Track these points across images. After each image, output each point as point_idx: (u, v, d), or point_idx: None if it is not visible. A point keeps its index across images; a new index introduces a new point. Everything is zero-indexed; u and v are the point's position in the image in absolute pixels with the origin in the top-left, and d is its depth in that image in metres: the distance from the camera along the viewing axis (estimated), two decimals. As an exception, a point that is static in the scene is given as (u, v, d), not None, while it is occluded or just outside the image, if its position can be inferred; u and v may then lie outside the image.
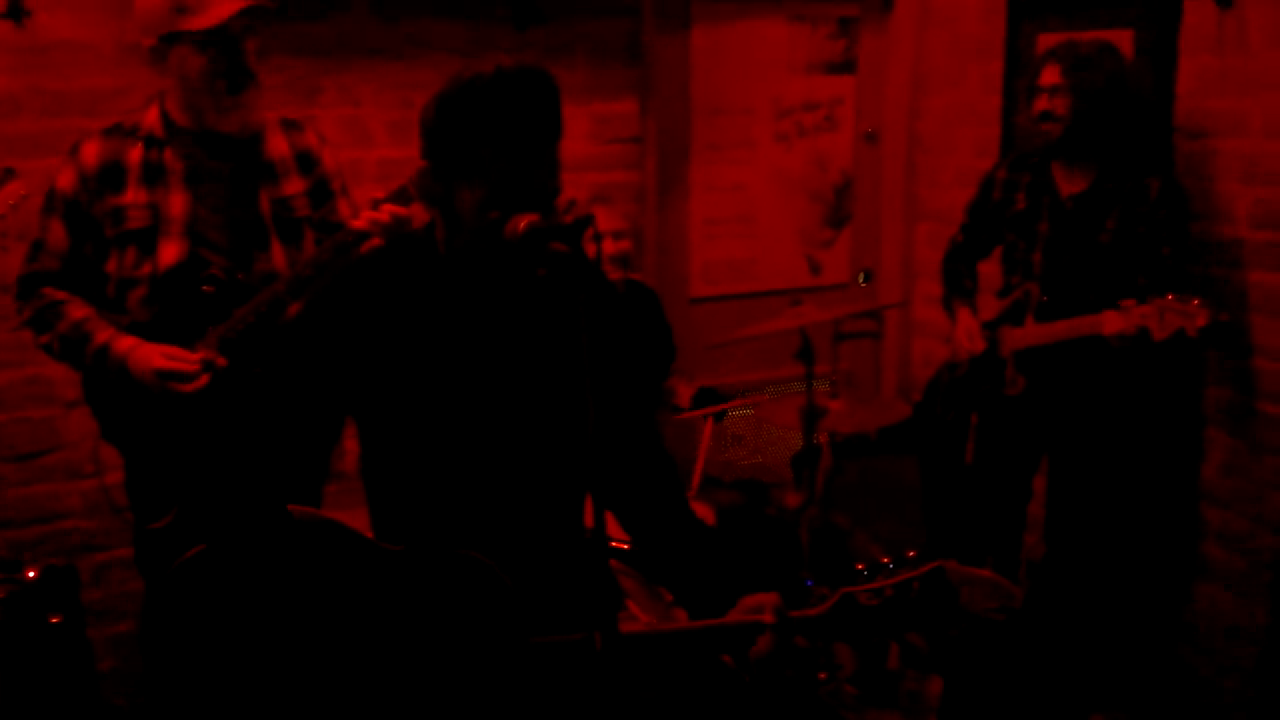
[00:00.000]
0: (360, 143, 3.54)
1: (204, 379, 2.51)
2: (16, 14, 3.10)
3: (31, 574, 2.92)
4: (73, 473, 3.37)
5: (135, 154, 2.55)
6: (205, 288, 2.55)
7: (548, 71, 1.68)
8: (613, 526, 2.21)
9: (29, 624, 2.86)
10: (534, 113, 1.66)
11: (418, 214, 2.60)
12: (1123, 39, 3.37)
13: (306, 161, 2.72)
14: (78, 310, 2.56)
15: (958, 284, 3.45)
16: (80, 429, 3.35)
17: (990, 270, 3.45)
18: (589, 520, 1.86)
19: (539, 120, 1.67)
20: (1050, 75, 3.05)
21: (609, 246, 3.34)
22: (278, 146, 2.68)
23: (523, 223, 1.63)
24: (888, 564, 1.72)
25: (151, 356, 2.50)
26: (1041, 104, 3.08)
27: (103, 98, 3.23)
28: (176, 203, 2.55)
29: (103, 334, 2.53)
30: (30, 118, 3.18)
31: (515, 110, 1.64)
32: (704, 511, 3.28)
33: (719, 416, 3.56)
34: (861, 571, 1.72)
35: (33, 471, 3.34)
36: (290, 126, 2.73)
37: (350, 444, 1.92)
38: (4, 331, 3.21)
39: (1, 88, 3.16)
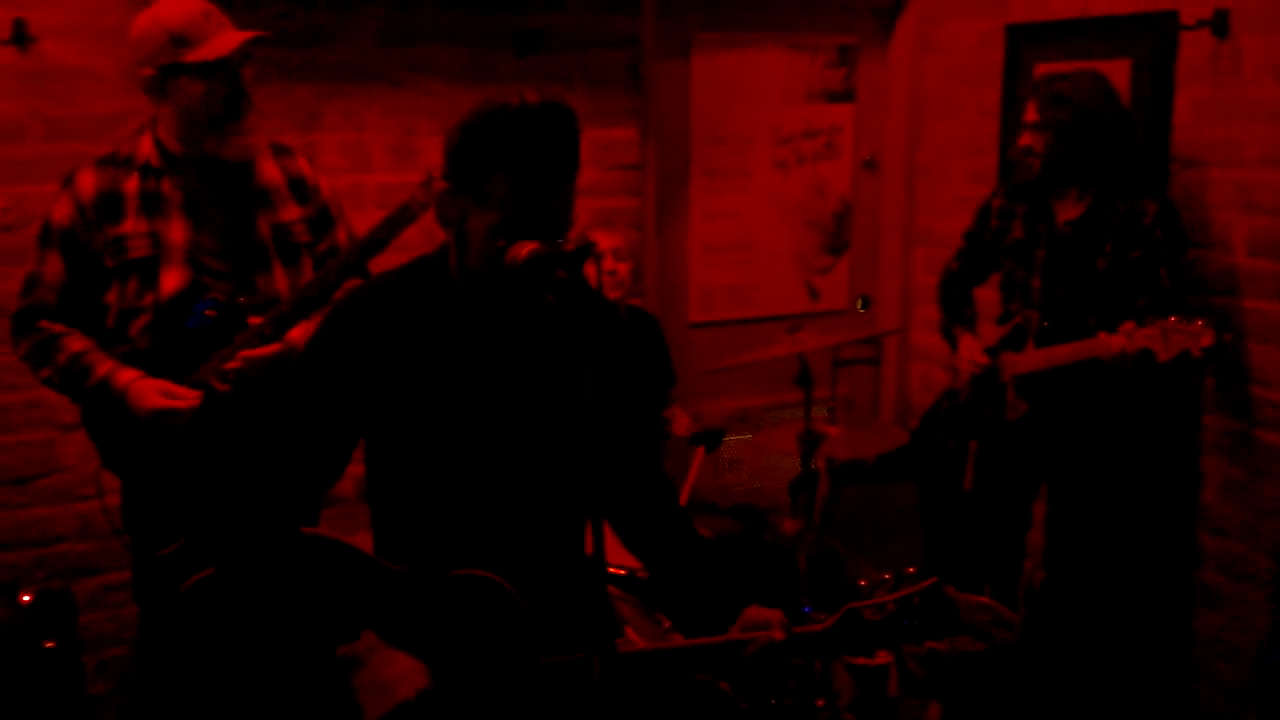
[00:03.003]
0: (361, 168, 3.56)
1: (193, 400, 2.49)
2: (21, 40, 3.11)
3: (26, 598, 2.91)
4: (69, 496, 3.36)
5: (132, 183, 2.53)
6: (208, 312, 2.53)
7: (571, 108, 1.69)
8: (611, 551, 2.21)
9: (23, 649, 2.85)
10: (552, 147, 1.67)
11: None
12: (1120, 69, 3.39)
13: (301, 189, 2.70)
14: (76, 343, 2.53)
15: (957, 311, 3.46)
16: (78, 452, 3.35)
17: (987, 296, 3.46)
18: (588, 544, 1.86)
19: (556, 155, 1.68)
20: (1030, 112, 3.08)
21: (608, 264, 3.36)
22: (270, 172, 2.66)
23: (524, 250, 1.64)
24: (888, 579, 1.74)
25: (146, 394, 2.47)
26: (1024, 140, 3.11)
27: (105, 124, 3.24)
28: (177, 231, 2.53)
29: (103, 366, 2.51)
30: (33, 143, 3.20)
31: (534, 143, 1.66)
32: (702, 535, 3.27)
33: (710, 447, 3.55)
34: (864, 587, 1.74)
35: (29, 494, 3.34)
36: (280, 152, 2.71)
37: (350, 469, 1.91)
38: (2, 354, 3.21)
39: (4, 113, 3.17)
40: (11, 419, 3.29)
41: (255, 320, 2.55)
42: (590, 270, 1.70)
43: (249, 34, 2.48)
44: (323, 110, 3.53)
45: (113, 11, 3.20)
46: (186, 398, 2.48)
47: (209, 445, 2.52)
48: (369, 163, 3.59)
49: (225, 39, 2.46)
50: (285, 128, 3.41)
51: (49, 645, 2.92)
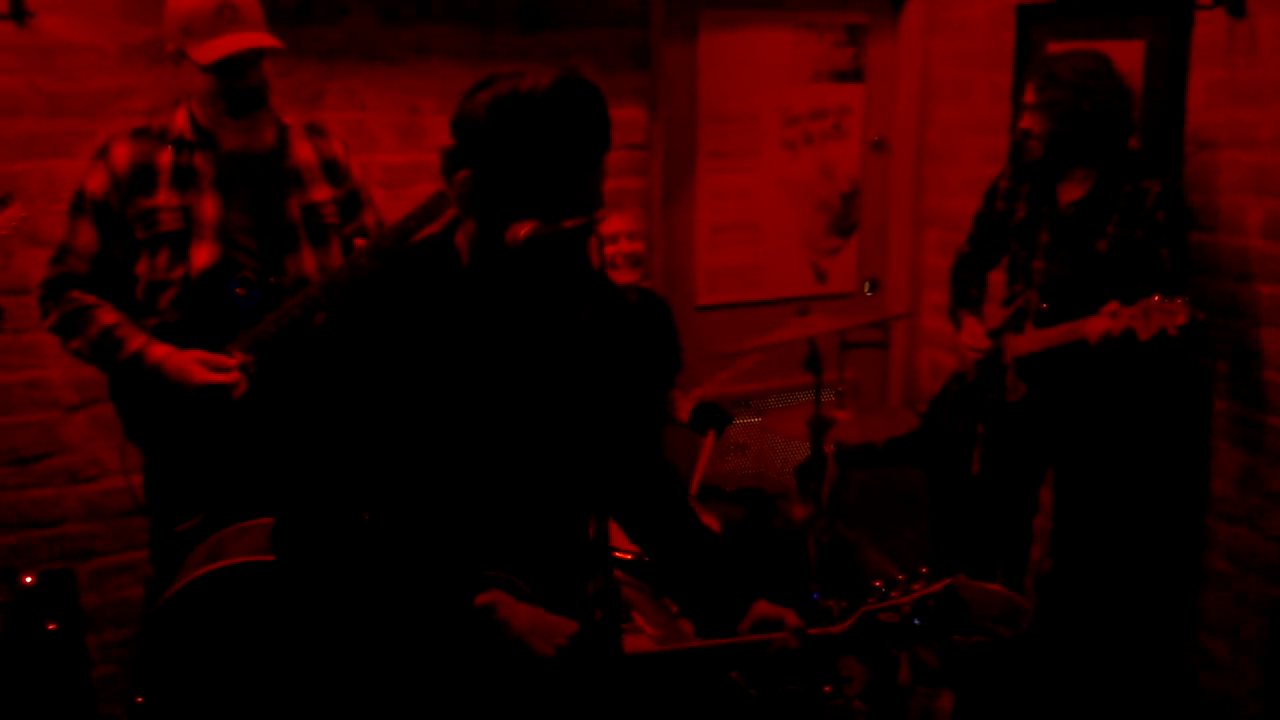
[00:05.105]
0: (365, 147, 3.51)
1: (243, 387, 2.53)
2: (19, 15, 3.08)
3: (29, 579, 2.90)
4: (72, 477, 3.35)
5: (165, 157, 2.56)
6: (238, 290, 2.56)
7: (592, 82, 1.65)
8: (619, 536, 2.19)
9: (26, 630, 2.84)
10: (592, 125, 1.64)
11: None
12: (1133, 49, 3.35)
13: (333, 170, 2.73)
14: (107, 316, 2.56)
15: (963, 293, 3.45)
16: (81, 433, 3.33)
17: (996, 278, 3.43)
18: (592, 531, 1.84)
19: (596, 132, 1.65)
20: (1029, 93, 3.06)
21: (625, 245, 3.35)
22: (303, 153, 2.69)
23: (523, 230, 1.60)
24: (902, 579, 1.72)
25: (191, 368, 2.51)
26: (1024, 122, 3.09)
27: (104, 99, 3.21)
28: (208, 206, 2.56)
29: (135, 341, 2.54)
30: (31, 119, 3.16)
31: (576, 122, 1.62)
32: (710, 522, 3.25)
33: (719, 431, 3.52)
34: (879, 589, 1.72)
35: (31, 476, 3.32)
36: (314, 133, 2.74)
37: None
38: (3, 334, 3.19)
39: (3, 88, 3.13)
40: (13, 399, 3.27)
41: (287, 300, 2.57)
42: (593, 248, 1.65)
43: (250, 44, 2.47)
44: (326, 89, 3.49)
45: (113, -13, 3.17)
46: (227, 370, 2.52)
47: (236, 421, 2.56)
48: (374, 142, 3.56)
49: (224, 43, 2.45)
50: (289, 107, 3.37)
51: (52, 627, 2.91)
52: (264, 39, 2.50)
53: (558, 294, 1.77)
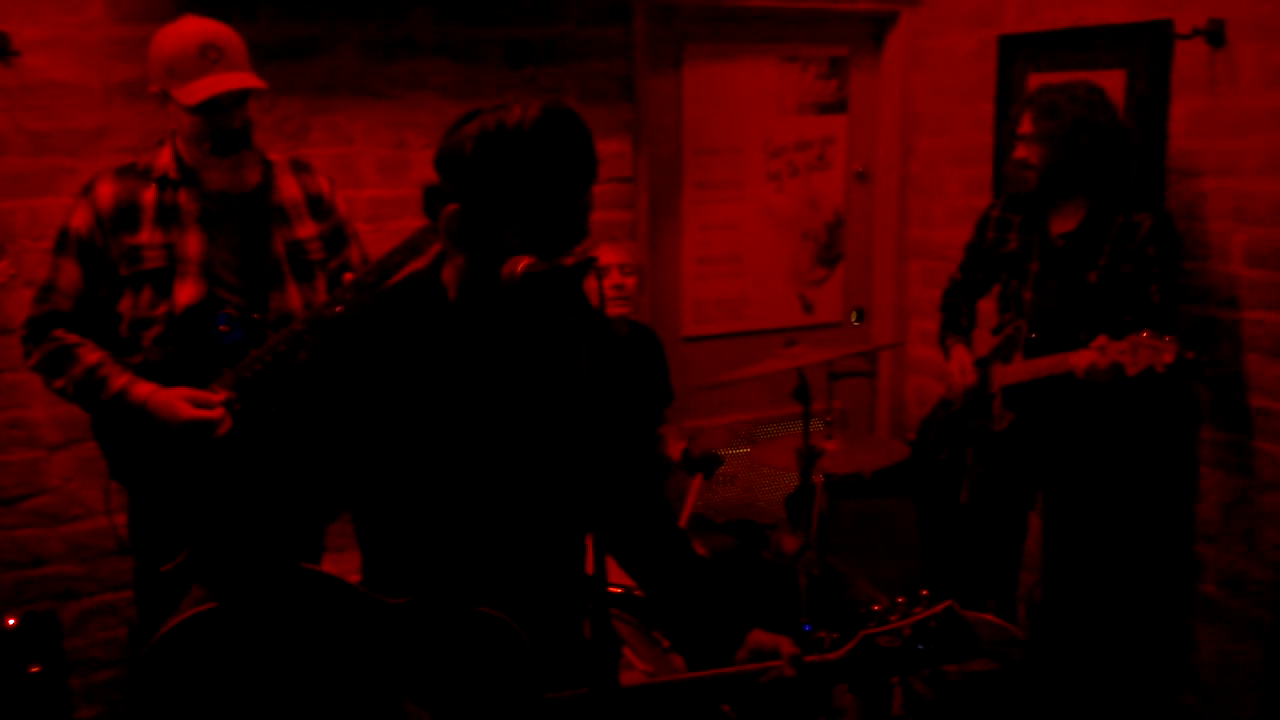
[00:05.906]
0: (351, 182, 3.51)
1: (228, 424, 2.52)
2: (4, 54, 3.07)
3: (11, 621, 2.86)
4: (56, 518, 3.31)
5: (149, 195, 2.55)
6: (221, 327, 2.55)
7: (575, 111, 1.65)
8: (609, 570, 2.17)
9: (9, 673, 2.80)
10: (579, 156, 1.63)
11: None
12: (1114, 79, 3.37)
13: (318, 206, 2.72)
14: (91, 355, 2.55)
15: (954, 321, 3.45)
16: (63, 473, 3.30)
17: (987, 307, 3.44)
18: (588, 565, 1.81)
19: (584, 163, 1.64)
20: (1025, 124, 3.06)
21: (615, 279, 3.34)
22: (288, 189, 2.68)
23: (520, 265, 1.58)
24: (902, 602, 1.68)
25: (176, 405, 2.50)
26: (1020, 152, 3.09)
27: (89, 138, 3.20)
28: (192, 243, 2.55)
29: (119, 379, 2.53)
30: (16, 157, 3.15)
31: (563, 153, 1.61)
32: (699, 553, 3.23)
33: (708, 474, 3.48)
34: (878, 613, 1.67)
35: (15, 516, 3.28)
36: (300, 169, 2.74)
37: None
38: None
39: (-13, 127, 3.13)
40: (-4, 439, 3.24)
41: (271, 337, 2.57)
42: (591, 285, 1.64)
43: (234, 85, 2.47)
44: (311, 124, 3.49)
45: (97, 26, 3.17)
46: (213, 407, 2.51)
47: (220, 458, 2.55)
48: (360, 177, 3.55)
49: (208, 84, 2.45)
50: (274, 142, 3.37)
51: (35, 669, 2.87)
52: (248, 80, 2.50)
53: (551, 330, 1.76)
